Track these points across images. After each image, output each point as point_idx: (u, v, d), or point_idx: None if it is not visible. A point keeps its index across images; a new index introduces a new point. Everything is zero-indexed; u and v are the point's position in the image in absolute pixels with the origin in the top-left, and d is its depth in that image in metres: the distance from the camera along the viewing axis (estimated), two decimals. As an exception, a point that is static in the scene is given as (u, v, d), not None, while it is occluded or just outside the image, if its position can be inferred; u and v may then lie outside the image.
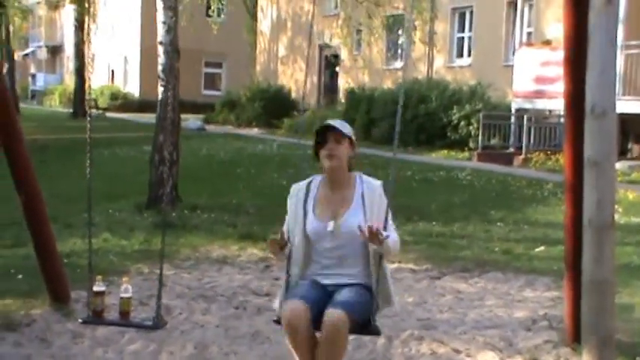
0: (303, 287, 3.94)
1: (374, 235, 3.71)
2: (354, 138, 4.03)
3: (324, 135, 3.98)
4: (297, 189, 4.13)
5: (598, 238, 3.83)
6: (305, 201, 4.05)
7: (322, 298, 3.85)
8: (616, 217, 9.93)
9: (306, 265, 4.04)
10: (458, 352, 5.12)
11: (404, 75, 4.52)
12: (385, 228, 3.86)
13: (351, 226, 3.86)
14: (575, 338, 4.66)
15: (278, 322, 4.00)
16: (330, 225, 3.94)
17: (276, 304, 4.19)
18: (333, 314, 3.66)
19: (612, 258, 3.92)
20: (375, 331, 3.95)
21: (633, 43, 16.34)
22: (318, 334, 3.77)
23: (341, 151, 3.95)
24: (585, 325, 3.90)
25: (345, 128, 3.99)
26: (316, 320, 3.75)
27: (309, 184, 4.11)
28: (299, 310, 3.72)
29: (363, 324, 3.87)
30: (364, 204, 3.94)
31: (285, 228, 4.07)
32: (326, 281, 3.97)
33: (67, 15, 46.41)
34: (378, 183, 4.03)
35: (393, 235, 3.93)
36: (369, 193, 3.97)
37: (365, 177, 4.05)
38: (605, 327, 3.85)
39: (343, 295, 3.85)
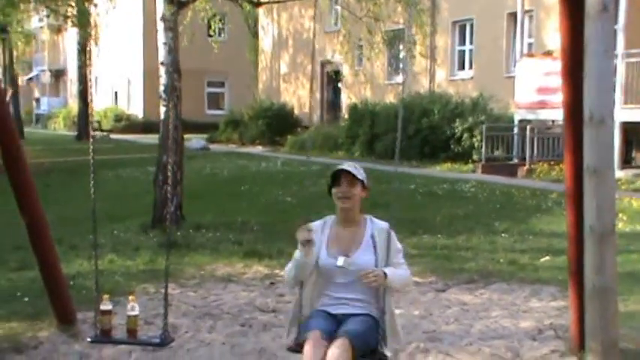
0: (318, 319, 4.08)
1: (372, 280, 3.94)
2: (366, 182, 4.20)
3: (339, 177, 4.17)
4: (318, 223, 4.28)
5: (599, 244, 3.83)
6: (320, 240, 4.20)
7: (333, 327, 4.00)
8: (621, 225, 9.99)
9: (318, 298, 4.21)
10: (464, 363, 5.11)
11: (403, 89, 4.61)
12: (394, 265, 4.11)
13: (361, 264, 4.06)
14: (581, 346, 4.65)
15: (291, 349, 4.17)
16: (340, 260, 4.10)
17: (287, 335, 4.30)
18: (337, 341, 3.84)
19: (614, 265, 3.92)
20: (382, 357, 4.05)
21: (634, 51, 16.35)
22: None
23: (354, 193, 4.15)
24: (589, 331, 3.90)
25: (359, 173, 4.18)
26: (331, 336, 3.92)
27: (323, 223, 4.29)
28: (317, 340, 3.88)
29: (370, 351, 4.00)
30: (374, 244, 4.15)
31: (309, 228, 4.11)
32: (336, 311, 4.12)
33: (70, 38, 46.61)
34: (386, 225, 4.21)
35: (400, 271, 4.14)
36: (379, 234, 4.18)
37: (374, 219, 4.25)
38: (609, 334, 3.85)
39: (349, 324, 4.01)
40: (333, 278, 4.16)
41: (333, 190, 4.18)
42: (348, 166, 4.19)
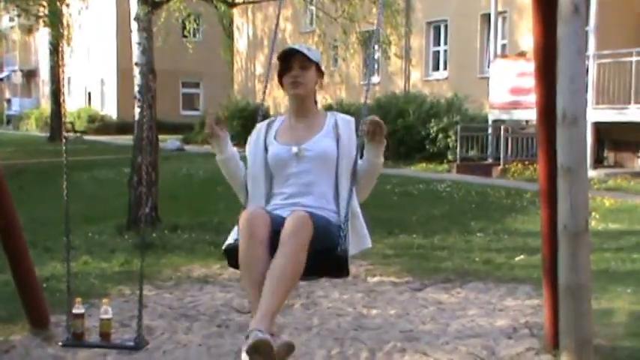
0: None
1: (377, 127, 3.49)
2: (321, 64, 3.74)
3: (289, 61, 3.65)
4: (258, 128, 3.85)
5: (573, 243, 3.87)
6: (266, 135, 3.75)
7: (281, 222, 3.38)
8: (593, 223, 10.09)
9: (268, 201, 3.68)
10: (441, 362, 5.14)
11: (367, 90, 4.28)
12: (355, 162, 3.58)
13: (320, 148, 3.57)
14: (556, 344, 4.69)
15: (226, 251, 3.65)
16: (295, 148, 3.61)
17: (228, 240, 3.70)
18: (294, 214, 3.33)
19: (588, 263, 3.96)
20: (341, 262, 3.43)
21: (605, 52, 16.53)
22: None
23: (307, 77, 3.67)
24: (563, 329, 3.94)
25: (312, 54, 3.70)
26: (274, 244, 3.33)
27: (270, 121, 3.83)
28: (260, 213, 3.39)
29: (327, 248, 3.40)
30: (337, 135, 3.64)
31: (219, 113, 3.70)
32: (287, 214, 3.42)
33: (42, 38, 46.29)
34: (351, 118, 3.77)
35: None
36: (343, 125, 3.68)
37: (338, 113, 3.78)
38: (583, 331, 3.89)
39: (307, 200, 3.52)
40: (286, 169, 3.62)
41: (284, 78, 3.66)
42: (299, 46, 3.69)
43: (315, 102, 3.79)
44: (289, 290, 3.34)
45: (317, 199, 3.53)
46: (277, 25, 4.76)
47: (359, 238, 3.59)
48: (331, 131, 3.63)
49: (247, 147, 3.81)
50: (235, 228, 3.65)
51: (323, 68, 3.76)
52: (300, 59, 3.63)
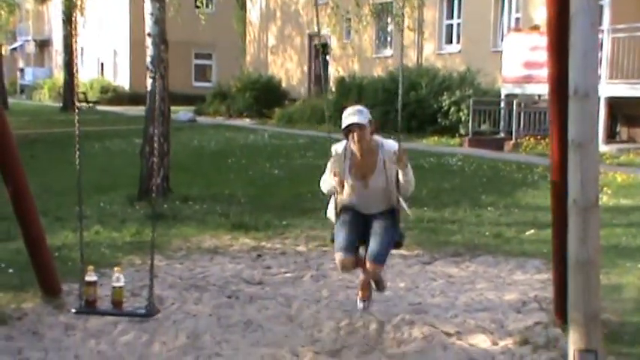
0: (345, 230, 5.22)
1: (402, 157, 5.04)
2: (372, 120, 5.14)
3: (350, 126, 5.07)
4: (339, 151, 5.26)
5: (583, 217, 3.86)
6: (344, 161, 5.24)
7: (360, 229, 5.24)
8: (605, 199, 10.07)
9: (350, 197, 5.33)
10: (449, 335, 5.16)
11: (401, 60, 5.27)
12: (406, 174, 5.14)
13: (376, 187, 5.21)
14: (564, 318, 4.70)
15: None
16: (362, 185, 5.24)
17: (329, 214, 5.46)
18: (371, 267, 5.14)
19: (597, 237, 3.95)
20: (401, 244, 5.44)
21: (620, 27, 16.37)
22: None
23: (365, 135, 5.09)
24: (571, 304, 3.94)
25: (364, 119, 5.08)
26: (357, 248, 5.27)
27: (344, 148, 5.25)
28: (347, 261, 5.13)
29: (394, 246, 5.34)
30: (385, 167, 5.16)
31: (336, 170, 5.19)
32: (365, 212, 5.34)
33: (55, 8, 46.24)
34: (394, 146, 5.14)
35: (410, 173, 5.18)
36: (388, 157, 5.14)
37: (385, 143, 5.21)
38: (591, 306, 3.89)
39: (375, 242, 5.13)
40: (357, 191, 5.26)
41: (349, 135, 5.11)
42: (353, 117, 5.06)
43: (372, 137, 5.20)
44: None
45: (377, 207, 5.34)
46: None
47: (404, 214, 5.39)
48: (382, 168, 5.19)
49: (333, 160, 5.28)
50: (331, 206, 5.44)
51: (370, 119, 5.15)
52: (356, 127, 5.07)
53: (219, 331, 5.24)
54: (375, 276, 5.34)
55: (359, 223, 5.29)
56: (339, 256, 5.15)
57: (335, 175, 5.14)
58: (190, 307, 5.77)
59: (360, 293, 5.48)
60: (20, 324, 5.32)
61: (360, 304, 5.48)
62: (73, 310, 4.65)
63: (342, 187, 5.23)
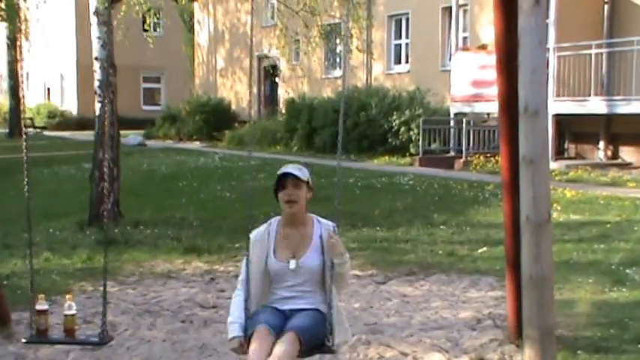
0: (265, 314, 4.12)
1: (336, 245, 4.08)
2: (311, 182, 4.24)
3: (284, 180, 4.18)
4: (259, 236, 4.28)
5: (536, 234, 3.90)
6: (267, 245, 4.24)
7: (281, 323, 4.05)
8: (555, 215, 10.17)
9: (265, 300, 4.25)
10: (405, 354, 5.16)
11: (343, 84, 4.76)
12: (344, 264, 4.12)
13: (311, 264, 4.16)
14: (519, 334, 4.73)
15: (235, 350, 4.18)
16: (292, 264, 4.17)
17: (231, 331, 4.19)
18: (285, 336, 3.90)
19: (550, 253, 3.99)
20: (329, 351, 4.13)
21: (565, 45, 16.69)
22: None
23: (299, 195, 4.17)
24: (526, 319, 3.97)
25: (303, 174, 4.20)
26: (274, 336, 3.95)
27: (268, 228, 4.30)
28: (264, 334, 3.95)
29: (316, 346, 4.06)
30: (322, 245, 4.18)
31: (239, 334, 4.11)
32: (284, 307, 4.18)
33: None
34: (332, 225, 4.23)
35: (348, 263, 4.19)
36: (327, 235, 4.17)
37: (321, 219, 4.28)
38: (546, 321, 3.92)
39: (296, 318, 4.07)
40: (283, 281, 4.21)
41: (280, 194, 4.19)
42: (292, 168, 4.20)
43: (306, 211, 4.27)
44: None
45: (307, 299, 4.19)
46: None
47: (341, 331, 4.17)
48: (318, 246, 4.19)
49: (251, 252, 4.23)
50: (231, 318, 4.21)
51: (312, 184, 4.25)
52: (293, 180, 4.16)
53: (174, 357, 5.18)
54: (286, 353, 3.86)
55: (279, 316, 4.12)
56: (255, 329, 3.99)
57: (236, 345, 4.08)
58: (144, 333, 5.69)
59: None
60: (-32, 355, 5.19)
61: None
62: (24, 340, 4.54)
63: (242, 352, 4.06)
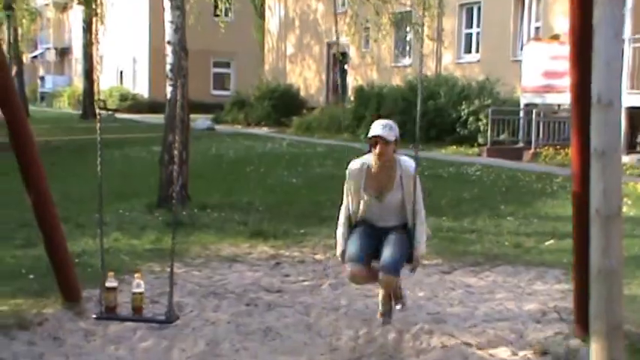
0: (357, 242, 5.23)
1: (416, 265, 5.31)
2: (398, 138, 5.10)
3: (375, 139, 5.06)
4: (356, 171, 5.28)
5: (605, 227, 3.83)
6: (360, 181, 5.26)
7: (373, 242, 5.23)
8: (626, 209, 9.99)
9: (363, 214, 5.34)
10: (469, 345, 5.14)
11: (420, 71, 5.27)
12: (415, 201, 5.16)
13: (392, 201, 5.23)
14: (585, 329, 4.67)
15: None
16: (377, 200, 5.26)
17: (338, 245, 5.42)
18: (384, 278, 5.09)
19: (620, 247, 3.92)
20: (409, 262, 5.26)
21: (641, 35, 16.29)
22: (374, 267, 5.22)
23: (388, 151, 5.11)
24: (593, 314, 3.91)
25: (391, 135, 5.05)
26: (370, 260, 5.24)
27: (362, 166, 5.27)
28: (356, 272, 5.17)
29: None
30: (402, 185, 5.18)
31: (344, 249, 5.34)
32: (378, 224, 5.32)
33: (75, 17, 46.56)
34: (412, 168, 5.16)
35: (422, 235, 5.24)
36: (406, 176, 5.16)
37: (403, 161, 5.19)
38: (613, 316, 3.85)
39: (388, 252, 5.09)
40: (373, 206, 5.27)
41: (372, 149, 5.09)
42: (382, 130, 5.03)
43: (394, 153, 5.19)
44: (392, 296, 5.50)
45: (394, 219, 5.30)
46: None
47: (419, 245, 5.26)
48: (399, 185, 5.19)
49: (351, 179, 5.31)
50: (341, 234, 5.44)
51: (397, 137, 5.10)
52: (382, 140, 5.05)
53: (238, 339, 5.24)
54: (389, 287, 5.25)
55: (372, 236, 5.26)
56: (348, 267, 5.18)
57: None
58: (209, 315, 5.78)
59: (380, 309, 5.47)
60: (41, 329, 5.35)
61: (380, 320, 5.47)
62: (94, 316, 4.67)
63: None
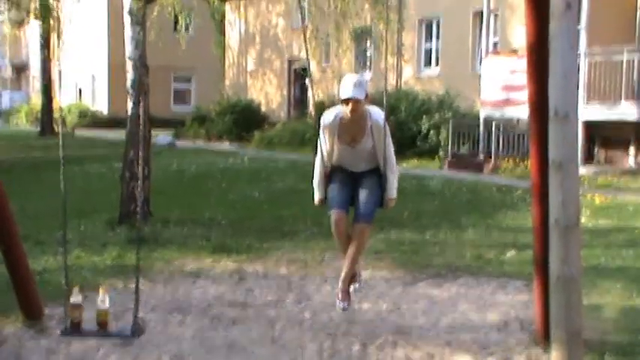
0: (337, 189, 5.84)
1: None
2: (368, 93, 5.67)
3: (347, 99, 5.58)
4: (329, 122, 5.83)
5: (564, 237, 3.91)
6: (334, 130, 5.82)
7: (350, 190, 5.85)
8: (584, 220, 10.14)
9: (338, 161, 5.94)
10: (432, 356, 5.18)
11: (385, 86, 5.79)
12: (386, 147, 5.77)
13: (364, 148, 5.80)
14: (546, 337, 4.74)
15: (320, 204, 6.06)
16: (351, 148, 5.83)
17: (315, 195, 6.08)
18: (359, 227, 5.73)
19: (578, 256, 4.01)
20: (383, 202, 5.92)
21: (596, 49, 16.59)
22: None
23: (360, 107, 5.66)
24: (554, 322, 3.98)
25: (361, 93, 5.59)
26: (348, 207, 5.85)
27: (335, 117, 5.80)
28: (340, 217, 5.75)
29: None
30: (372, 134, 5.75)
31: (320, 197, 6.03)
32: (352, 170, 5.93)
33: (32, 32, 46.08)
34: (382, 119, 5.73)
35: (394, 181, 5.90)
36: (376, 126, 5.74)
37: (373, 113, 5.77)
38: (573, 323, 3.93)
39: (362, 201, 5.74)
40: (346, 154, 5.84)
41: (344, 106, 5.63)
42: (354, 91, 5.54)
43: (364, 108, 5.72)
44: (358, 258, 5.96)
45: (365, 166, 5.90)
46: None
47: (390, 190, 5.90)
48: (369, 133, 5.76)
49: (325, 128, 5.86)
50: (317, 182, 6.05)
51: (366, 92, 5.67)
52: (354, 99, 5.57)
53: (203, 354, 5.23)
54: (364, 235, 5.77)
55: (348, 184, 5.85)
56: (333, 214, 5.73)
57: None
58: (173, 330, 5.76)
59: (339, 294, 5.87)
60: (1, 349, 5.28)
61: (339, 305, 5.86)
62: (59, 333, 4.62)
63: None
